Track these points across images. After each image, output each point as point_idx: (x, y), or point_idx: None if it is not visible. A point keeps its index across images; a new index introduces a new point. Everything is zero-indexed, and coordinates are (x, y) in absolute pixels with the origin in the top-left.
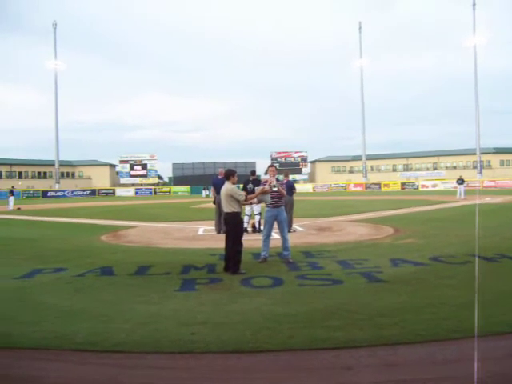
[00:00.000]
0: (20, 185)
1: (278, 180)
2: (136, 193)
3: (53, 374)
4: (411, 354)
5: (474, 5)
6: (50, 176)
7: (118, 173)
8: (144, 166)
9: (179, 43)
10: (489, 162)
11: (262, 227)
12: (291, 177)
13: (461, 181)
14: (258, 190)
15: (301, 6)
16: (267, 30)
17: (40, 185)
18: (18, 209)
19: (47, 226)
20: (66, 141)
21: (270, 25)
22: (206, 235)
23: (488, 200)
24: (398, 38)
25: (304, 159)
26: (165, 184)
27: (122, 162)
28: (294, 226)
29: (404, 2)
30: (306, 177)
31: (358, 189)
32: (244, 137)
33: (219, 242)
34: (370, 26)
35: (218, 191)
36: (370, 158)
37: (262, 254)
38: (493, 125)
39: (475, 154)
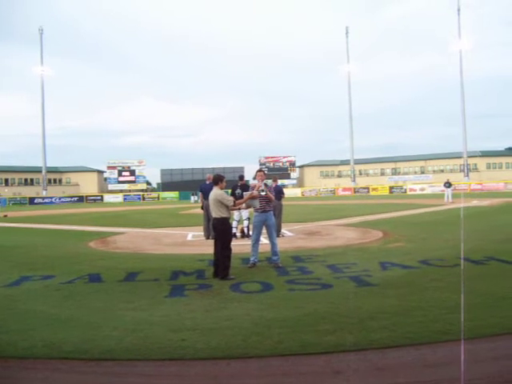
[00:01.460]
0: (6, 192)
1: (266, 185)
2: (124, 199)
3: (41, 383)
4: (401, 358)
5: (458, 10)
6: (37, 182)
7: (105, 179)
8: (132, 172)
9: (167, 49)
10: (475, 165)
11: (250, 232)
12: (280, 181)
13: (448, 184)
14: (246, 195)
15: (291, 11)
16: (258, 35)
17: (27, 191)
18: (5, 216)
19: (34, 232)
20: (53, 147)
21: (261, 31)
22: (194, 241)
23: (475, 203)
24: (386, 43)
25: (292, 164)
26: (153, 190)
27: (109, 167)
28: (283, 230)
29: (391, 8)
30: (294, 181)
31: (347, 193)
32: (232, 142)
33: (208, 248)
34: (358, 31)
35: (206, 197)
36: (359, 162)
37: (252, 259)
38: (479, 128)
39: (462, 157)
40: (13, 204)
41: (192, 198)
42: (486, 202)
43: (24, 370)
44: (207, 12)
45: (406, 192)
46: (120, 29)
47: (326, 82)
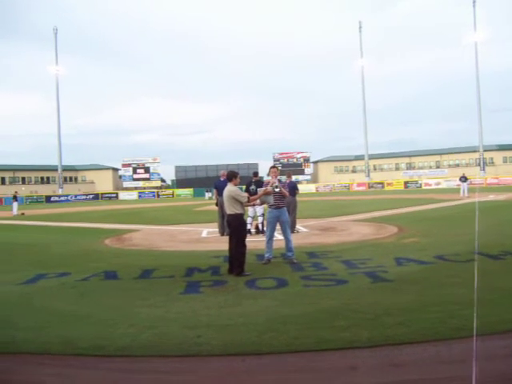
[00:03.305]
0: (23, 190)
1: (280, 181)
2: (139, 196)
3: (57, 379)
4: (417, 354)
5: (474, 2)
6: (53, 181)
7: (120, 176)
8: (147, 170)
9: (181, 48)
10: (492, 159)
11: (265, 228)
12: (294, 177)
13: (464, 178)
14: (260, 191)
15: (302, 7)
16: (269, 32)
17: (43, 190)
18: (22, 214)
19: (51, 230)
20: (68, 145)
21: (272, 27)
22: (209, 237)
23: (492, 197)
24: (400, 38)
25: (306, 160)
26: (168, 187)
27: (124, 165)
28: (298, 226)
29: (403, 2)
30: (308, 177)
31: (361, 188)
32: (246, 138)
33: (223, 244)
34: (371, 27)
35: (220, 193)
36: (373, 157)
37: (266, 255)
38: (495, 122)
39: (478, 151)
40: (29, 202)
41: (206, 194)
42: (502, 197)
43: (40, 366)
44: (220, 10)
45: (421, 187)
46: (130, 29)
47: (339, 79)
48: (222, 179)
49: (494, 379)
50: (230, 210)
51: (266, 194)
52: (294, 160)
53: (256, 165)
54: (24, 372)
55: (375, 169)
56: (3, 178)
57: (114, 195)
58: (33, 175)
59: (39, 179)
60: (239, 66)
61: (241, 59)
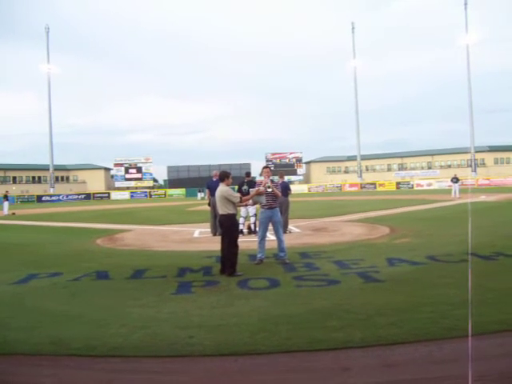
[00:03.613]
0: (14, 189)
1: (272, 181)
2: (131, 196)
3: (49, 379)
4: (409, 354)
5: (465, 4)
6: (45, 180)
7: (112, 176)
8: (139, 169)
9: (172, 47)
10: (483, 160)
11: (257, 228)
12: (286, 178)
13: (455, 179)
14: (252, 191)
15: (297, 9)
16: (260, 34)
17: (34, 189)
18: (13, 214)
19: (42, 230)
20: (59, 144)
21: (262, 29)
22: (201, 237)
23: (483, 198)
24: (392, 39)
25: (299, 160)
26: (160, 187)
27: (116, 165)
28: (290, 226)
29: (397, 3)
30: (301, 177)
31: (354, 189)
32: (238, 139)
33: (215, 244)
34: (363, 27)
35: (212, 193)
36: (365, 158)
37: (258, 255)
38: (492, 122)
39: (469, 152)
40: (21, 202)
41: (199, 194)
42: (493, 198)
43: (32, 366)
44: (211, 11)
45: (413, 187)
46: (124, 28)
47: (332, 79)
48: (214, 179)
49: (488, 378)
50: (222, 210)
51: (259, 194)
52: (287, 160)
53: (248, 165)
54: (18, 373)
55: (367, 169)
56: None
57: (106, 195)
58: (24, 175)
59: (30, 179)
60: (232, 67)
61: (233, 61)
